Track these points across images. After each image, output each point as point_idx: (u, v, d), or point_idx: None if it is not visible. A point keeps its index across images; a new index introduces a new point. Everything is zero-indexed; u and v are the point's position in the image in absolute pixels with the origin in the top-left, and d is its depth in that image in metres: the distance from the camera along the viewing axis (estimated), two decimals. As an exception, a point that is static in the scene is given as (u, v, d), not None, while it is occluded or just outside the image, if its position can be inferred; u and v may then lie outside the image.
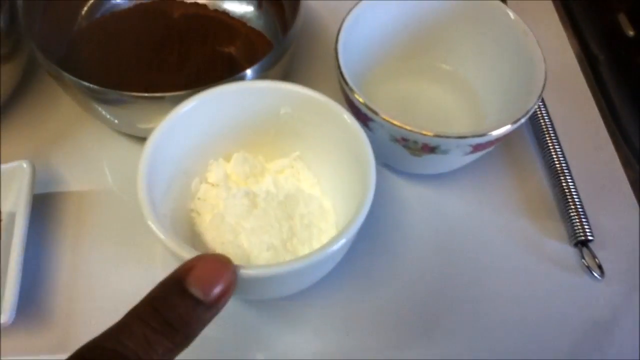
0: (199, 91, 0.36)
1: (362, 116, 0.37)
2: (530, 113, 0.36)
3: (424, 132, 0.35)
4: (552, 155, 0.44)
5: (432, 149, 0.37)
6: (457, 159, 0.39)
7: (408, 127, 0.35)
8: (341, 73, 0.37)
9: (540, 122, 0.45)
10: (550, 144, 0.44)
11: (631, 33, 0.54)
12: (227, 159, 0.40)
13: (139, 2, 0.52)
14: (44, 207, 0.42)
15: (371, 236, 0.41)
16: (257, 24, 0.52)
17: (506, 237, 0.42)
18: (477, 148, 0.37)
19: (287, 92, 0.37)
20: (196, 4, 0.52)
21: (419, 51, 0.46)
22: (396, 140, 0.37)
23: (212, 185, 0.39)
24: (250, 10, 0.52)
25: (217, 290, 0.24)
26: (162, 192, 0.34)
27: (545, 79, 0.38)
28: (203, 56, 0.48)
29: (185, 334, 0.24)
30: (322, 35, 0.54)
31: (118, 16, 0.50)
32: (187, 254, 0.28)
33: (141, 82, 0.45)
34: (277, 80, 0.40)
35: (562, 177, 0.43)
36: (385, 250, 0.41)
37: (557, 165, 0.43)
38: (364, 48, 0.43)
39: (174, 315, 0.23)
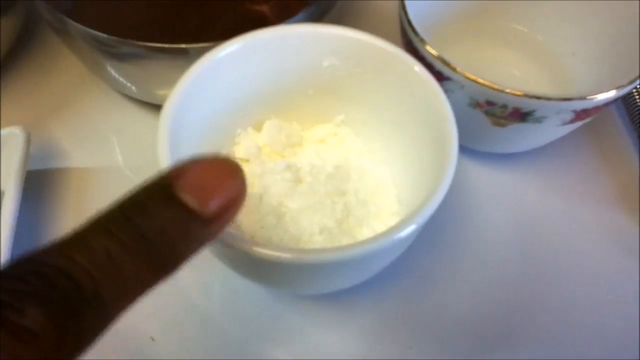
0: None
1: (435, 74, 0.29)
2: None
3: (517, 93, 0.27)
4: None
5: (523, 116, 0.29)
6: (548, 131, 0.31)
7: (497, 87, 0.28)
8: (409, 21, 0.30)
9: (635, 97, 0.37)
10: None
11: None
12: (258, 128, 0.33)
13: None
14: (40, 185, 0.35)
15: (434, 227, 0.33)
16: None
17: (596, 233, 0.35)
18: (578, 116, 0.29)
19: (334, 38, 0.29)
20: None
21: (493, 9, 0.39)
22: (478, 104, 0.30)
23: (242, 160, 0.32)
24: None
25: (218, 200, 0.17)
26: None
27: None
28: (229, 16, 0.41)
29: (167, 255, 0.16)
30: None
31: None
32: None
33: (160, 39, 0.38)
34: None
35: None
36: (450, 245, 0.34)
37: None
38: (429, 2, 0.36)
39: (154, 226, 0.16)
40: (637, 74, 0.29)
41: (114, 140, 0.38)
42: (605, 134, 0.39)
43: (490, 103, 0.29)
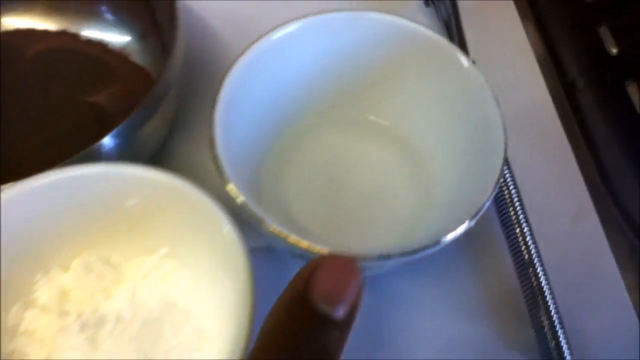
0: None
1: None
2: (480, 213, 0.25)
3: (324, 253, 0.24)
4: (518, 238, 0.33)
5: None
6: (385, 269, 0.28)
7: (304, 244, 0.24)
8: (216, 154, 0.26)
9: (504, 191, 0.34)
10: (515, 223, 0.33)
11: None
12: (65, 268, 0.29)
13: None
14: None
15: None
16: (143, 60, 0.40)
17: (462, 346, 0.32)
18: (408, 263, 0.26)
19: (132, 180, 0.27)
20: (64, 33, 0.40)
21: (347, 102, 0.35)
22: (295, 255, 0.26)
23: (42, 309, 0.28)
24: (129, 40, 0.40)
25: (349, 298, 0.18)
26: None
27: (504, 160, 0.27)
28: (63, 111, 0.37)
29: None
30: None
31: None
32: None
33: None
34: (157, 139, 0.35)
35: (530, 270, 0.32)
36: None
37: (525, 253, 0.32)
38: (265, 105, 0.32)
39: (317, 348, 0.17)
40: (484, 201, 0.26)
41: None
42: (479, 235, 0.35)
43: (306, 256, 0.25)
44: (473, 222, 0.26)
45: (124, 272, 0.30)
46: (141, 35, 0.40)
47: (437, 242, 0.25)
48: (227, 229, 0.25)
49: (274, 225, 0.25)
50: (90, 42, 0.40)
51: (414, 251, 0.24)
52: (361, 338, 0.31)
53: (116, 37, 0.40)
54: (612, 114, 0.41)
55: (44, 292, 0.28)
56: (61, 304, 0.28)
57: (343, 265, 0.19)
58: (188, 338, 0.28)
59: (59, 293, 0.28)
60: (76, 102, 0.37)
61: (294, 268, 0.29)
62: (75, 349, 0.26)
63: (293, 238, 0.24)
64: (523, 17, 0.46)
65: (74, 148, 0.28)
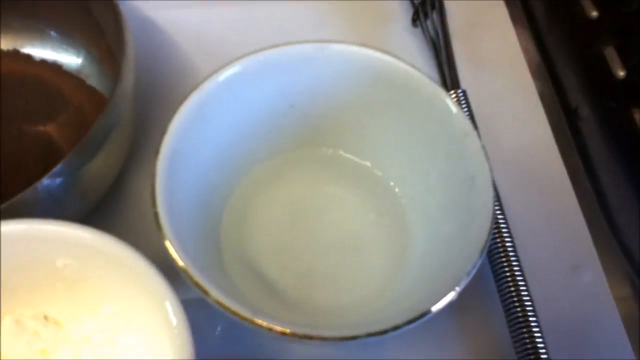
0: None
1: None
2: (467, 281, 0.22)
3: (277, 329, 0.20)
4: (513, 296, 0.29)
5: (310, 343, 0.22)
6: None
7: (246, 316, 0.20)
8: (156, 212, 0.22)
9: (496, 238, 0.30)
10: (510, 279, 0.29)
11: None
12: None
13: None
14: None
15: None
16: (100, 84, 0.36)
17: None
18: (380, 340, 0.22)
19: (60, 240, 0.23)
20: (15, 53, 0.36)
21: (319, 139, 0.32)
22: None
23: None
24: (85, 62, 0.36)
25: None
26: None
27: (492, 220, 0.23)
28: (5, 145, 0.33)
29: None
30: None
31: None
32: None
33: None
34: (108, 175, 0.31)
35: (524, 330, 0.28)
36: None
37: (520, 313, 0.28)
38: (223, 145, 0.28)
39: None
40: (467, 270, 0.22)
41: None
42: (472, 296, 0.31)
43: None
44: (458, 292, 0.22)
45: (64, 332, 0.27)
46: (97, 59, 0.36)
47: (411, 321, 0.21)
48: (171, 309, 0.21)
49: (219, 296, 0.21)
50: (45, 63, 0.36)
51: (385, 331, 0.20)
52: None
53: (71, 59, 0.36)
54: (617, 145, 0.37)
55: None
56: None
57: None
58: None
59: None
60: (21, 133, 0.33)
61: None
62: None
63: (243, 313, 0.20)
64: (520, 38, 0.42)
65: (12, 189, 0.25)
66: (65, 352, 0.26)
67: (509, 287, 0.29)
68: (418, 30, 0.39)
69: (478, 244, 0.22)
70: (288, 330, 0.20)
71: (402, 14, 0.41)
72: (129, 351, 0.26)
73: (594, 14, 0.39)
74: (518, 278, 0.29)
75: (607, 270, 0.33)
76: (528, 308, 0.29)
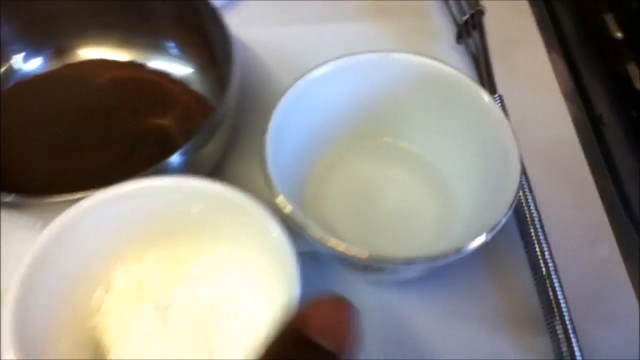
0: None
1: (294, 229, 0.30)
2: (498, 227, 0.29)
3: (361, 256, 0.28)
4: (537, 254, 0.36)
5: (377, 270, 0.29)
6: (412, 275, 0.31)
7: (341, 248, 0.28)
8: (267, 173, 0.30)
9: (525, 211, 0.37)
10: (535, 241, 0.36)
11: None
12: (139, 259, 0.34)
13: (62, 64, 0.45)
14: None
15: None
16: (201, 88, 0.45)
17: (480, 354, 0.35)
18: (432, 270, 0.29)
19: (196, 190, 0.31)
20: (131, 63, 0.46)
21: (380, 130, 0.39)
22: (334, 257, 0.30)
23: (120, 293, 0.33)
24: (191, 72, 0.45)
25: (350, 333, 0.19)
26: (49, 317, 0.29)
27: (519, 185, 0.30)
28: (130, 131, 0.41)
29: None
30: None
31: (29, 86, 0.44)
32: None
33: (54, 174, 0.39)
34: (215, 157, 0.38)
35: (547, 283, 0.35)
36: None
37: (543, 268, 0.36)
38: (308, 131, 0.36)
39: None
40: (499, 219, 0.29)
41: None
42: (497, 245, 0.38)
43: (343, 259, 0.29)
44: (490, 236, 0.29)
45: (188, 267, 0.34)
46: (200, 68, 0.45)
47: (458, 251, 0.28)
48: (276, 233, 0.29)
49: (316, 231, 0.29)
50: (155, 73, 0.45)
51: (436, 258, 0.28)
52: (382, 339, 0.35)
53: (178, 69, 0.45)
54: (636, 147, 0.43)
55: (121, 279, 0.33)
56: (135, 289, 0.33)
57: (338, 303, 0.20)
58: (242, 325, 0.32)
59: (134, 281, 0.33)
60: (142, 124, 0.42)
61: (336, 271, 0.33)
62: (149, 325, 0.31)
63: (332, 242, 0.28)
64: (551, 53, 0.49)
65: (139, 164, 0.32)
66: (189, 283, 0.34)
67: (534, 246, 0.36)
68: (461, 47, 0.47)
69: (508, 201, 0.29)
70: (366, 255, 0.28)
71: (447, 32, 0.49)
72: (237, 285, 0.34)
73: (619, 34, 0.46)
74: (542, 240, 0.36)
75: (621, 246, 0.39)
76: (550, 265, 0.36)
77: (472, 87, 0.34)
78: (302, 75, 0.34)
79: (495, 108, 0.33)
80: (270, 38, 0.49)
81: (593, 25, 0.48)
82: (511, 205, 0.30)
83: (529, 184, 0.38)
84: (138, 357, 0.31)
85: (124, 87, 0.44)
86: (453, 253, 0.28)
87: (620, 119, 0.44)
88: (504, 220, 0.29)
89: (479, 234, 0.29)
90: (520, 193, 0.37)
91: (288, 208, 0.29)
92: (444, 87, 0.35)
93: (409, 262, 0.28)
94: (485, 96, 0.33)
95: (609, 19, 0.46)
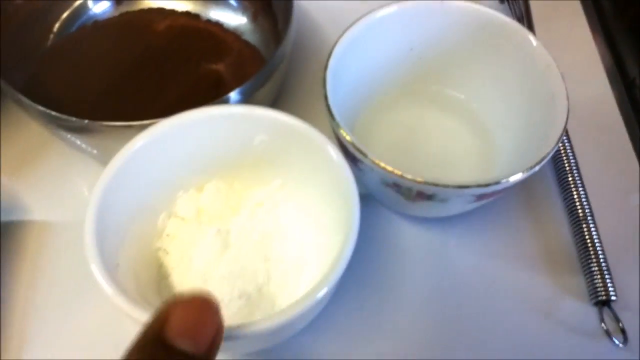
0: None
1: (351, 155, 0.32)
2: (545, 161, 0.31)
3: (417, 180, 0.30)
4: (575, 199, 0.38)
5: (428, 197, 0.31)
6: (459, 207, 0.33)
7: (398, 172, 0.30)
8: (328, 105, 0.32)
9: (563, 160, 0.39)
10: (572, 187, 0.38)
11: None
12: (200, 189, 0.36)
13: (122, 11, 0.47)
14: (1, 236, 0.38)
15: (362, 281, 0.37)
16: (253, 38, 0.47)
17: (517, 291, 0.37)
18: (481, 197, 0.31)
19: (262, 119, 0.33)
20: (187, 13, 0.48)
21: (428, 77, 0.41)
22: (388, 185, 0.32)
23: (182, 219, 0.35)
24: (244, 22, 0.47)
25: (208, 334, 0.19)
26: (120, 233, 0.30)
27: (566, 123, 0.32)
28: (186, 76, 0.44)
29: None
30: (323, 50, 0.48)
31: (93, 30, 0.46)
32: (136, 313, 0.24)
33: (116, 107, 0.41)
34: (266, 102, 0.38)
35: (584, 225, 0.37)
36: (376, 300, 0.36)
37: (580, 212, 0.38)
38: (362, 74, 0.38)
39: None
40: (547, 152, 0.31)
41: (75, 196, 0.41)
42: (535, 191, 0.40)
43: (397, 185, 0.31)
44: (538, 167, 0.31)
45: (244, 198, 0.36)
46: (252, 18, 0.47)
47: (508, 178, 0.30)
48: (337, 157, 0.31)
49: (376, 157, 0.31)
50: (209, 22, 0.47)
51: (487, 184, 0.30)
52: (425, 274, 0.37)
53: (232, 19, 0.47)
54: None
55: (183, 206, 0.35)
56: (197, 215, 0.35)
57: (199, 303, 0.19)
58: (295, 250, 0.34)
59: (194, 208, 0.35)
60: (198, 68, 0.44)
61: (382, 214, 0.35)
62: (211, 247, 0.33)
63: (390, 167, 0.30)
64: (590, 20, 0.51)
65: (196, 105, 0.34)
66: (246, 211, 0.36)
67: (572, 191, 0.38)
68: (505, 7, 0.49)
69: (556, 135, 0.31)
70: (422, 179, 0.30)
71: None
72: (292, 217, 0.36)
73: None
74: (579, 186, 0.38)
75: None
76: (586, 208, 0.37)
77: (521, 32, 0.36)
78: (364, 15, 0.36)
79: (544, 52, 0.35)
80: None
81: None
82: (559, 139, 0.31)
83: (567, 135, 0.40)
84: (199, 279, 0.33)
85: (180, 35, 0.46)
86: (505, 179, 0.30)
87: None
88: (551, 154, 0.31)
89: (525, 168, 0.31)
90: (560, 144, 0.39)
91: (350, 137, 0.31)
92: (494, 34, 0.37)
93: (462, 187, 0.30)
94: (534, 40, 0.35)
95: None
